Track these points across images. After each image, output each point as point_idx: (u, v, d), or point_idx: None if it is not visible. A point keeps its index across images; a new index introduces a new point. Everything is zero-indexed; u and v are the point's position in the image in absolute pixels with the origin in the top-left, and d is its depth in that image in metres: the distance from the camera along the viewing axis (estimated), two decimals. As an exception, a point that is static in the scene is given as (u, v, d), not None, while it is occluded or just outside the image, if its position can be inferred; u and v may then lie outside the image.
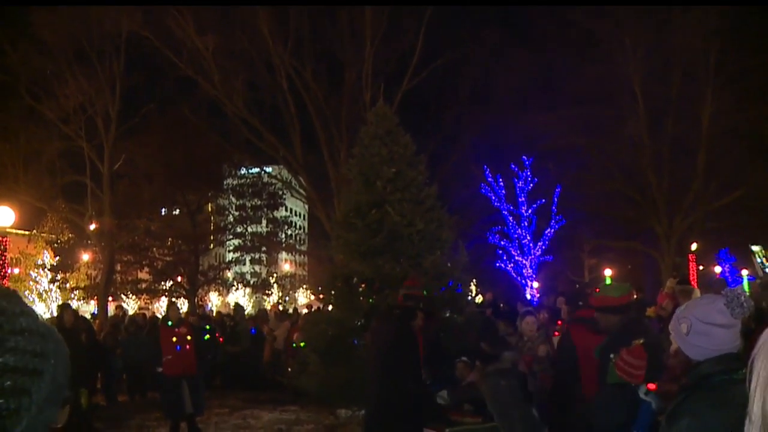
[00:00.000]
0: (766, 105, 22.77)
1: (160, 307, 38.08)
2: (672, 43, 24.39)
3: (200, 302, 37.01)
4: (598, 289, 5.82)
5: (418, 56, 25.36)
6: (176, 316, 11.36)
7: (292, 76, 25.57)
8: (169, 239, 34.78)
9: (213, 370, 15.46)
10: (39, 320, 0.99)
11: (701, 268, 32.87)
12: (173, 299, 26.20)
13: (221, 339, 16.05)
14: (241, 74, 25.82)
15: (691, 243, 29.37)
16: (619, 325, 4.96)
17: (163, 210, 36.71)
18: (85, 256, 33.40)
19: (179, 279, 34.65)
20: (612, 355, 6.01)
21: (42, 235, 31.66)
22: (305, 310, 18.28)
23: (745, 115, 23.38)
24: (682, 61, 24.66)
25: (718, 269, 35.02)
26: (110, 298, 31.22)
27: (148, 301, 38.44)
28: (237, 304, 20.22)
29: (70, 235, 32.22)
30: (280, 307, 29.67)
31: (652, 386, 3.81)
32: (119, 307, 24.19)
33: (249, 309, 35.99)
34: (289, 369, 10.65)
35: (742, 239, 29.42)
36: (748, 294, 2.50)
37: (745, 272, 34.41)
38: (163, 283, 35.00)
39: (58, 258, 32.62)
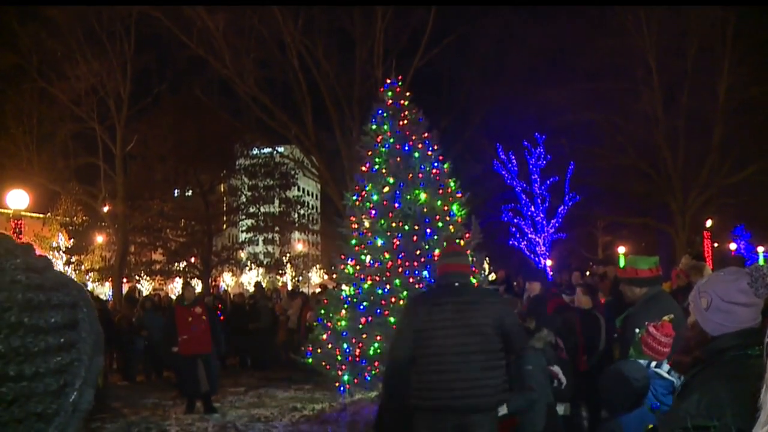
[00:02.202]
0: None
1: (175, 288, 38.30)
2: (688, 15, 24.03)
3: (214, 282, 37.19)
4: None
5: (430, 32, 25.16)
6: (191, 296, 11.43)
7: (303, 54, 25.43)
8: (182, 220, 34.82)
9: (228, 351, 15.55)
10: (58, 271, 0.99)
11: (716, 244, 32.68)
12: (187, 280, 26.37)
13: (221, 317, 16.05)
14: (252, 53, 25.71)
15: (706, 219, 29.17)
16: (644, 298, 4.94)
17: (176, 191, 36.74)
18: (99, 238, 33.55)
19: (193, 260, 34.77)
20: (637, 330, 5.96)
21: (56, 217, 31.78)
22: (318, 290, 18.31)
23: (762, 88, 23.05)
24: (698, 33, 24.30)
25: (733, 246, 34.77)
26: (125, 280, 31.37)
27: (162, 283, 38.63)
28: (258, 283, 20.34)
29: (84, 217, 32.35)
30: (289, 287, 29.78)
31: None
32: (132, 288, 24.32)
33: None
34: (302, 348, 10.66)
35: (759, 215, 29.22)
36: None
37: (761, 249, 34.15)
38: (176, 264, 35.14)
39: (72, 240, 32.78)
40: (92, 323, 0.99)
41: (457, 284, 4.79)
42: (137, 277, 36.14)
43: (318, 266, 55.70)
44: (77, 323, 0.95)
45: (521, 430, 5.45)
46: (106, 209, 29.77)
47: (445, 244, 5.10)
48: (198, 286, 31.16)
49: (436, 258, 9.41)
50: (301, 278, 52.36)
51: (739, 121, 24.36)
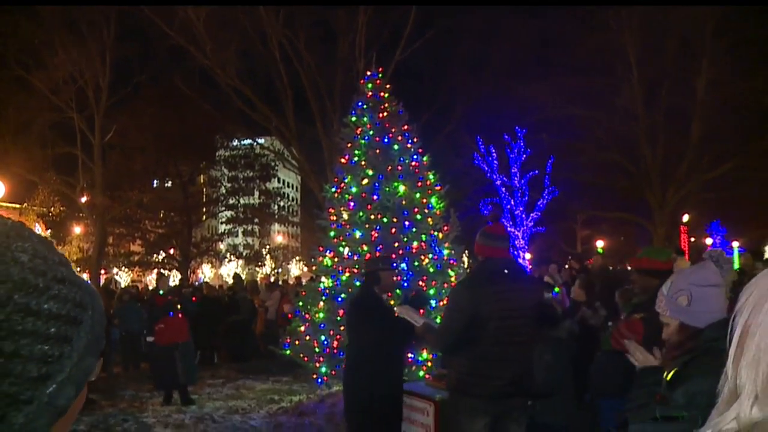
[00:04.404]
0: (761, 76, 22.65)
1: (153, 279, 38.10)
2: (668, 12, 24.19)
3: (192, 274, 37.06)
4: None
5: (412, 26, 25.17)
6: (166, 286, 11.43)
7: (285, 46, 25.34)
8: (162, 211, 34.71)
9: (207, 343, 15.50)
10: (74, 271, 1.01)
11: (693, 239, 33.05)
12: (164, 271, 26.25)
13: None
14: (234, 44, 25.53)
15: (684, 214, 29.48)
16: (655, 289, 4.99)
17: (155, 182, 36.55)
18: (77, 229, 33.29)
19: (171, 251, 34.66)
20: (610, 324, 6.05)
21: (33, 208, 31.47)
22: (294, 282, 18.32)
23: (739, 86, 23.26)
24: (678, 30, 24.48)
25: (709, 241, 35.17)
26: (103, 271, 31.17)
27: (141, 274, 38.47)
28: (236, 275, 20.29)
29: (61, 207, 32.05)
30: (272, 279, 29.73)
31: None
32: (109, 279, 24.17)
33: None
34: (280, 340, 10.68)
35: (735, 211, 29.56)
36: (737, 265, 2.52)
37: (736, 244, 34.57)
38: (155, 255, 35.01)
39: (49, 231, 32.44)
40: (95, 326, 0.99)
41: (506, 271, 4.78)
42: (116, 269, 35.95)
43: (298, 258, 55.64)
44: (80, 321, 0.96)
45: (538, 420, 5.52)
46: (84, 200, 29.53)
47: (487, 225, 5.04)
48: (177, 277, 31.08)
49: (414, 250, 9.45)
50: (280, 270, 52.25)
51: (717, 118, 24.56)
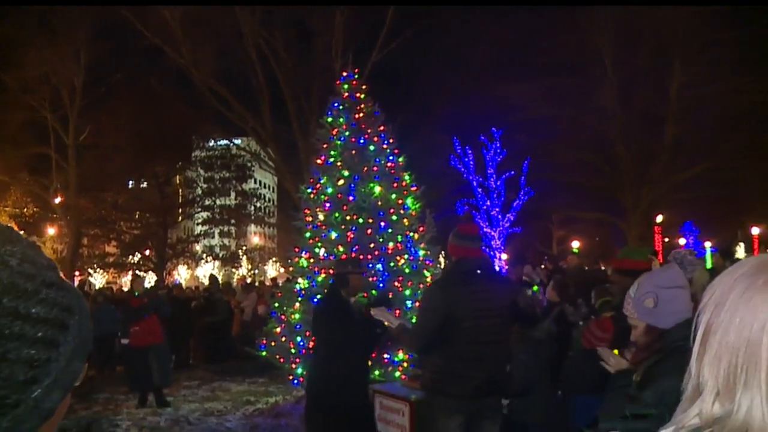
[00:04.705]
0: (734, 78, 22.93)
1: (128, 281, 37.76)
2: (642, 14, 24.43)
3: (168, 275, 36.81)
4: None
5: (389, 26, 25.17)
6: (140, 287, 11.35)
7: (262, 46, 25.25)
8: (137, 212, 34.46)
9: (182, 345, 15.41)
10: (61, 275, 1.00)
11: (667, 240, 33.40)
12: (140, 272, 26.06)
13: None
14: (210, 43, 25.39)
15: (657, 215, 29.78)
16: None
17: (131, 182, 36.29)
18: (51, 230, 32.92)
19: (147, 252, 34.42)
20: (581, 323, 6.12)
21: (5, 209, 31.08)
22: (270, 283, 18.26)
23: (713, 88, 23.53)
24: (652, 32, 24.72)
25: (682, 241, 35.56)
26: (77, 273, 30.85)
27: (116, 275, 38.14)
28: (212, 276, 20.18)
29: (35, 208, 31.69)
30: (248, 280, 29.61)
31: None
32: (83, 281, 23.93)
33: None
34: (256, 341, 10.65)
35: (708, 211, 29.91)
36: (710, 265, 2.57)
37: (708, 244, 34.97)
38: (130, 256, 34.74)
39: (22, 232, 31.97)
40: (82, 331, 0.99)
41: (479, 271, 4.79)
42: (90, 270, 35.61)
43: (274, 259, 55.46)
44: (67, 326, 0.96)
45: (515, 418, 5.56)
46: (58, 200, 29.22)
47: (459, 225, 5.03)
48: (152, 279, 30.86)
49: (390, 251, 9.47)
50: (257, 271, 52.03)
51: (690, 120, 24.83)
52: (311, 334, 6.55)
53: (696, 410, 1.09)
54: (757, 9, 21.86)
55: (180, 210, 37.28)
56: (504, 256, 25.88)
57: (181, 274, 48.30)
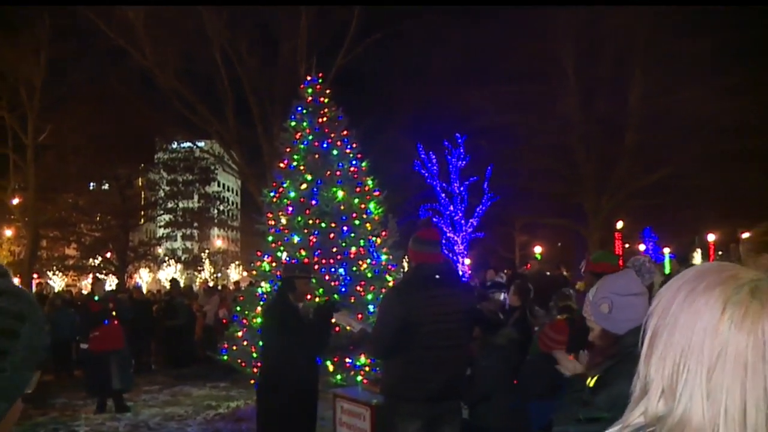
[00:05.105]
0: (691, 88, 23.37)
1: (89, 284, 37.23)
2: (603, 24, 24.78)
3: (129, 278, 36.34)
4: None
5: (354, 31, 25.20)
6: (102, 291, 11.21)
7: (226, 48, 25.09)
8: (98, 214, 33.95)
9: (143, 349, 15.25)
10: (14, 282, 0.98)
11: (627, 245, 33.90)
12: (100, 276, 25.70)
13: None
14: (174, 45, 25.13)
15: (617, 221, 30.23)
16: None
17: (92, 184, 35.77)
18: (8, 232, 32.31)
19: (108, 255, 33.94)
20: (536, 328, 6.20)
21: (-40, 210, 30.50)
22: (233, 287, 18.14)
23: (671, 97, 23.96)
24: (613, 41, 25.10)
25: (642, 247, 36.13)
26: (35, 276, 30.31)
27: (76, 279, 37.55)
28: (173, 279, 19.98)
29: (-9, 210, 31.09)
30: (210, 283, 29.39)
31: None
32: (40, 284, 23.52)
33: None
34: (218, 345, 10.60)
35: (666, 218, 30.43)
36: (668, 270, 2.63)
37: (667, 250, 35.63)
38: (91, 259, 34.24)
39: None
40: (33, 339, 0.95)
41: (438, 276, 4.79)
42: (49, 273, 35.02)
43: (237, 263, 55.09)
44: (17, 335, 0.93)
45: (475, 423, 5.60)
46: (15, 201, 28.68)
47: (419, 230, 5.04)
48: (113, 282, 30.45)
49: (352, 256, 9.49)
50: (220, 275, 51.64)
51: (649, 128, 25.23)
52: (260, 337, 6.55)
53: (641, 409, 1.15)
54: (714, 22, 22.34)
55: (142, 212, 36.81)
56: (467, 261, 26.04)
57: (143, 278, 47.75)
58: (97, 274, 27.13)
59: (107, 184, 35.44)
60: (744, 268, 1.18)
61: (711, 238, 34.36)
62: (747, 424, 1.03)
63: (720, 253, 27.16)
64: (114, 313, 10.69)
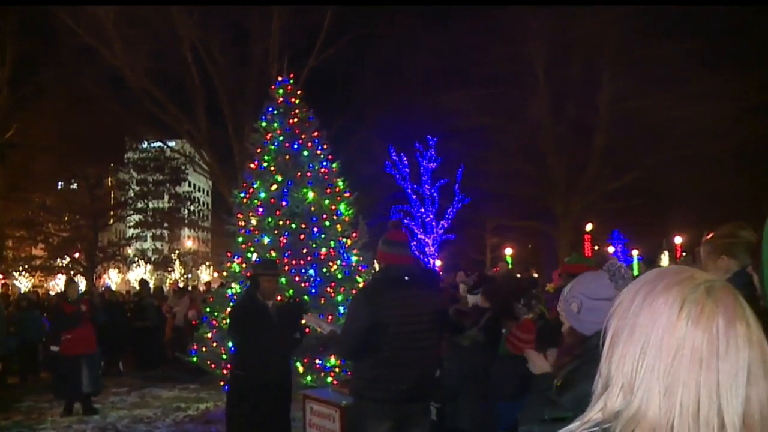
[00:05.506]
0: (658, 92, 23.72)
1: (56, 285, 36.81)
2: (574, 28, 25.03)
3: (98, 279, 35.94)
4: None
5: (326, 32, 25.16)
6: (75, 293, 11.04)
7: (198, 48, 24.92)
8: (66, 214, 33.52)
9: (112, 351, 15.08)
10: None
11: (596, 247, 34.23)
12: (70, 276, 25.38)
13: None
14: (144, 44, 24.88)
15: (587, 223, 30.54)
16: None
17: (60, 183, 35.30)
18: (-27, 232, 31.77)
19: (76, 255, 33.52)
20: (504, 330, 6.25)
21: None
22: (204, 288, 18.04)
23: (639, 102, 24.29)
24: (582, 46, 25.36)
25: (611, 249, 36.51)
26: (0, 276, 29.84)
27: (43, 279, 37.05)
28: (143, 280, 19.80)
29: (-45, 209, 30.51)
30: (180, 284, 29.16)
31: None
32: (5, 284, 23.11)
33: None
34: (188, 346, 10.53)
35: (634, 220, 30.80)
36: (636, 272, 2.66)
37: (635, 252, 36.12)
38: (59, 260, 33.80)
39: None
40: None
41: (407, 278, 4.79)
42: (15, 273, 34.50)
43: (208, 264, 54.71)
44: None
45: (444, 424, 5.62)
46: (-20, 201, 28.23)
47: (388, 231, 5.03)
48: (82, 283, 30.07)
49: (322, 257, 9.50)
50: (190, 276, 51.24)
51: (618, 131, 25.54)
52: (228, 335, 6.53)
53: (600, 405, 1.20)
54: (683, 28, 22.75)
55: (111, 212, 36.40)
56: (438, 263, 26.13)
57: (112, 278, 47.24)
58: (65, 275, 26.76)
59: (76, 184, 34.99)
60: (699, 270, 1.23)
61: (678, 240, 34.81)
62: (700, 415, 1.08)
63: (684, 254, 27.58)
64: (89, 316, 10.56)
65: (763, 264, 1.94)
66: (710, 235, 3.23)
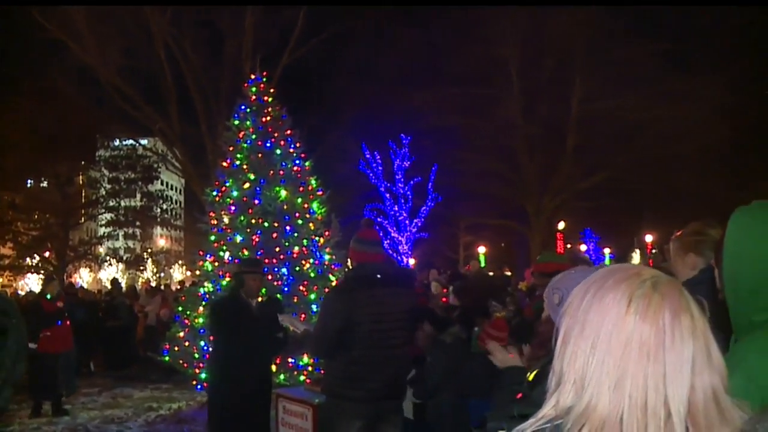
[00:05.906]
0: (629, 93, 24.00)
1: (26, 284, 36.35)
2: (546, 30, 25.22)
3: (69, 278, 35.51)
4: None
5: (300, 30, 25.09)
6: (54, 290, 10.92)
7: (171, 45, 24.72)
8: (36, 212, 33.07)
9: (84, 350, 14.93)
10: None
11: (569, 246, 34.53)
12: (42, 275, 25.07)
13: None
14: (116, 41, 24.63)
15: (559, 222, 30.80)
16: None
17: (29, 181, 34.82)
18: (-61, 230, 31.26)
19: (47, 254, 33.09)
20: (476, 329, 6.29)
21: None
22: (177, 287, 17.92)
23: (610, 102, 24.53)
24: (555, 46, 25.55)
25: (584, 247, 36.85)
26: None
27: (12, 279, 36.53)
28: (114, 279, 19.63)
29: None
30: (153, 283, 28.93)
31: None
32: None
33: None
34: (160, 345, 10.47)
35: (606, 219, 31.13)
36: None
37: (607, 250, 36.49)
38: (28, 259, 33.35)
39: None
40: (20, 333, 0.98)
41: (379, 276, 4.79)
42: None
43: (180, 262, 54.33)
44: (6, 330, 0.95)
45: (426, 418, 5.65)
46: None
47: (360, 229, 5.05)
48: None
49: (295, 255, 9.49)
50: (163, 274, 50.84)
51: (590, 131, 25.77)
52: (210, 334, 6.51)
53: (553, 401, 1.23)
54: (654, 30, 23.03)
55: (83, 211, 35.94)
56: (411, 261, 26.19)
57: (83, 277, 46.74)
58: (39, 275, 26.41)
59: (46, 182, 34.54)
60: (646, 267, 1.26)
61: (649, 239, 35.21)
62: (648, 406, 1.11)
63: (654, 251, 27.94)
64: (66, 313, 10.47)
65: (725, 255, 1.98)
66: (679, 233, 3.29)
